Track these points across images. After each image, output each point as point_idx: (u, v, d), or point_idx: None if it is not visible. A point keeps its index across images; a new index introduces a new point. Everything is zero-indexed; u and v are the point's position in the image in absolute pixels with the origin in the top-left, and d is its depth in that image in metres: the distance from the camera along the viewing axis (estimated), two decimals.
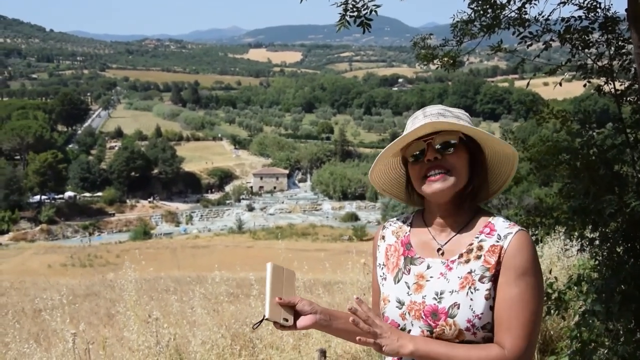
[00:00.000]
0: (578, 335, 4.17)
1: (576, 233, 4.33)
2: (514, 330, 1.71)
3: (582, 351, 4.14)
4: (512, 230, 1.79)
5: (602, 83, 4.43)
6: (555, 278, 4.91)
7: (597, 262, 4.30)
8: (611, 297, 3.85)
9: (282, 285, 1.90)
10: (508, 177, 1.98)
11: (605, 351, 4.05)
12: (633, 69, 4.30)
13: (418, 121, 1.87)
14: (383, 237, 2.05)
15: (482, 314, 1.75)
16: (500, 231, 1.81)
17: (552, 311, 4.45)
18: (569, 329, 4.59)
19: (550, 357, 5.15)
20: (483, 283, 1.77)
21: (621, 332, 3.96)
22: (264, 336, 5.57)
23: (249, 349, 5.55)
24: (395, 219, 2.08)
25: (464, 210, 1.89)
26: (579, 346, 4.19)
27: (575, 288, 4.46)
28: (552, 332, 5.57)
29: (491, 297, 1.76)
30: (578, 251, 4.65)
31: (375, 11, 4.04)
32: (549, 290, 4.51)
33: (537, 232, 4.51)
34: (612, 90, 4.36)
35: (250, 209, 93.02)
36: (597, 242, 4.20)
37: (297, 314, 1.88)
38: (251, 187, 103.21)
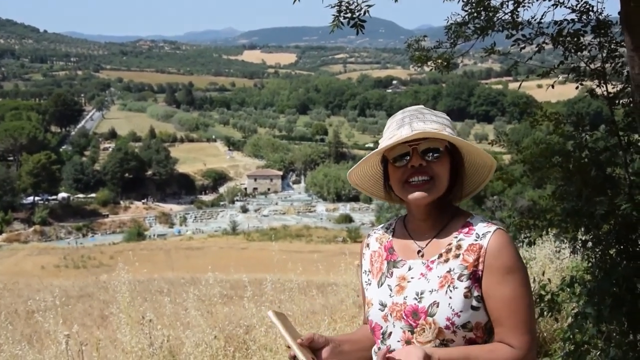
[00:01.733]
0: (571, 337, 4.18)
1: (569, 235, 4.35)
2: (518, 328, 1.75)
3: (575, 353, 4.15)
4: (490, 229, 1.82)
5: (595, 86, 4.45)
6: (549, 280, 4.92)
7: (590, 264, 4.32)
8: (603, 300, 3.87)
9: (290, 327, 1.90)
10: (483, 182, 2.00)
11: (598, 353, 4.07)
12: (625, 72, 4.32)
13: (403, 124, 1.87)
14: (368, 245, 2.08)
15: (461, 311, 1.77)
16: (478, 230, 1.84)
17: (545, 313, 4.46)
18: (562, 330, 4.60)
19: (543, 358, 5.18)
20: (462, 281, 1.79)
21: (614, 334, 3.98)
22: (257, 338, 5.56)
23: (243, 350, 5.55)
24: (379, 226, 2.11)
25: (442, 212, 1.91)
26: (572, 348, 4.20)
27: (568, 290, 4.47)
28: (545, 334, 5.59)
29: (472, 295, 1.78)
30: (571, 253, 4.67)
31: (368, 11, 4.06)
32: (542, 292, 4.51)
33: (530, 234, 4.52)
34: (605, 92, 4.38)
35: (244, 210, 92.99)
36: (589, 244, 4.21)
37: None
38: (245, 188, 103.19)
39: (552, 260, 7.06)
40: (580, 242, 4.29)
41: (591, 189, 4.05)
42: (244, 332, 5.84)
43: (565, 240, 4.50)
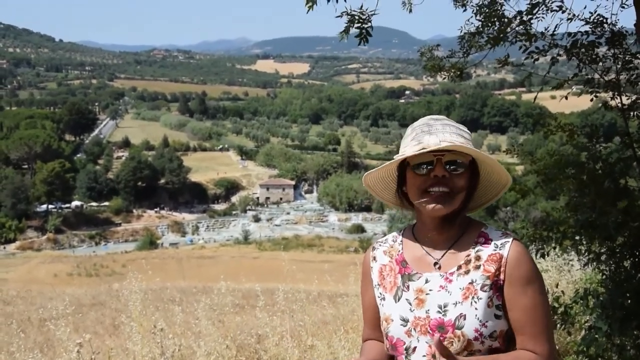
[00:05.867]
0: (584, 350, 4.15)
1: (583, 248, 4.31)
2: (539, 336, 1.78)
3: None
4: (508, 239, 1.84)
5: (609, 97, 4.43)
6: (562, 292, 4.88)
7: (604, 277, 4.28)
8: (613, 313, 3.83)
9: None
10: (494, 197, 2.00)
11: None
12: None
13: (430, 132, 1.85)
14: (374, 258, 2.03)
15: (487, 321, 1.77)
16: (495, 240, 1.84)
17: (558, 325, 4.43)
18: (575, 343, 4.56)
19: None
20: (485, 291, 1.79)
21: (628, 347, 3.94)
22: (269, 348, 5.55)
23: None
24: (384, 239, 2.08)
25: (455, 224, 1.89)
26: None
27: (582, 302, 4.43)
28: (558, 347, 5.54)
29: (494, 305, 1.79)
30: (584, 265, 4.63)
31: (371, 19, 4.10)
32: (555, 305, 4.47)
33: (543, 246, 4.48)
34: (619, 104, 4.36)
35: (257, 219, 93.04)
36: (604, 256, 4.18)
37: None
38: (257, 197, 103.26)
39: (563, 272, 7.01)
40: (594, 254, 4.26)
41: (605, 200, 4.02)
42: (255, 341, 5.83)
43: (580, 253, 4.46)
